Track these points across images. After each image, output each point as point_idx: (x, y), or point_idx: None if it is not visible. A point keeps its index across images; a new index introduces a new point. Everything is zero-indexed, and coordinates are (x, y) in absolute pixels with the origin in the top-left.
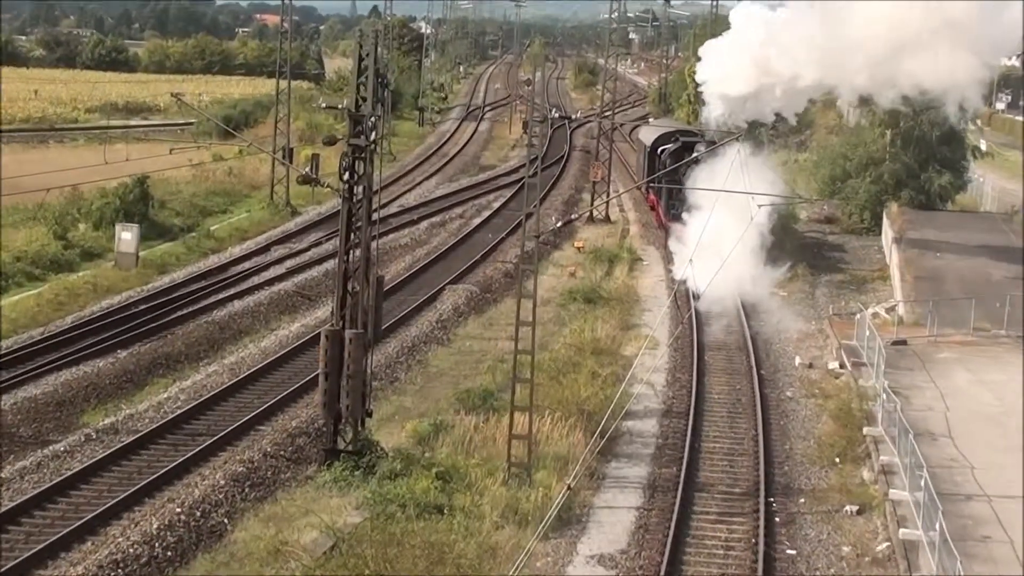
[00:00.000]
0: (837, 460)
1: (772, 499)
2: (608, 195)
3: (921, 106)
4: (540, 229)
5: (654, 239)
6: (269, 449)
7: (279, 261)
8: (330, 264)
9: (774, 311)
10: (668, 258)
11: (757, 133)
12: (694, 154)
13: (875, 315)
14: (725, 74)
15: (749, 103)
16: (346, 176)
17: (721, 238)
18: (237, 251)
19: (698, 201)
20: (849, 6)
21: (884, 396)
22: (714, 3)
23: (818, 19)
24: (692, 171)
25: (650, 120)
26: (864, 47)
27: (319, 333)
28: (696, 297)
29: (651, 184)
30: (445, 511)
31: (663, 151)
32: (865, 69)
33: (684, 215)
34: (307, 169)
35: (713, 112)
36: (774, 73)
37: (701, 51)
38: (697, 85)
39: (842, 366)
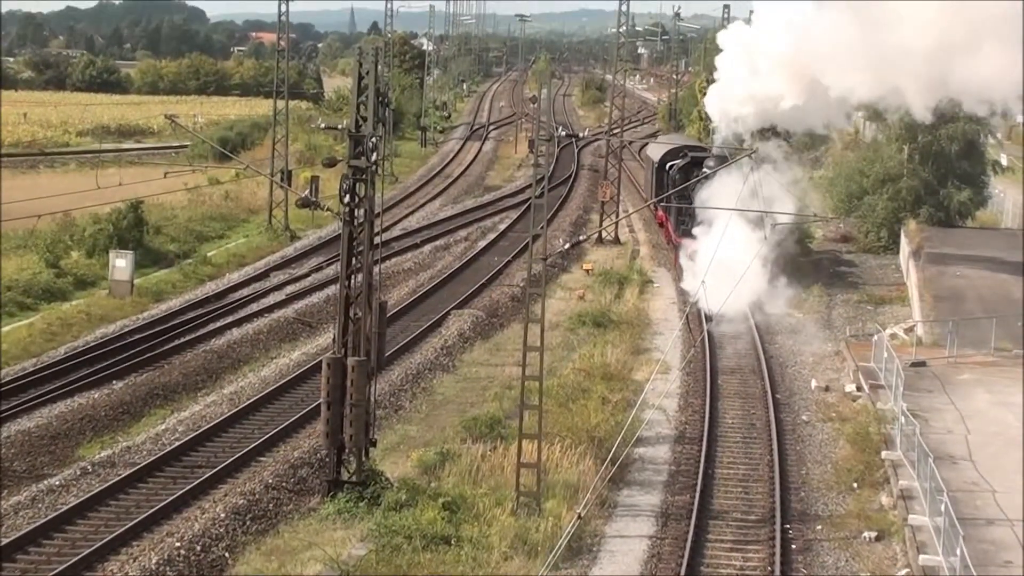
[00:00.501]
0: (855, 485)
1: (788, 526)
2: (617, 215)
3: (949, 116)
4: (547, 251)
5: (665, 260)
6: (271, 481)
7: (278, 287)
8: (331, 290)
9: (789, 333)
10: (679, 275)
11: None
12: (704, 169)
13: (893, 336)
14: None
15: (787, 114)
16: (347, 199)
17: (734, 258)
18: (235, 277)
19: (708, 217)
20: (893, 7)
21: (903, 419)
22: (725, 16)
23: (856, 22)
24: (702, 187)
25: (658, 136)
26: (914, 50)
27: (321, 361)
28: (709, 319)
29: (662, 200)
30: (452, 542)
31: (671, 167)
32: (916, 75)
33: (694, 231)
34: (306, 192)
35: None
36: (811, 84)
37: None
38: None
39: (859, 389)
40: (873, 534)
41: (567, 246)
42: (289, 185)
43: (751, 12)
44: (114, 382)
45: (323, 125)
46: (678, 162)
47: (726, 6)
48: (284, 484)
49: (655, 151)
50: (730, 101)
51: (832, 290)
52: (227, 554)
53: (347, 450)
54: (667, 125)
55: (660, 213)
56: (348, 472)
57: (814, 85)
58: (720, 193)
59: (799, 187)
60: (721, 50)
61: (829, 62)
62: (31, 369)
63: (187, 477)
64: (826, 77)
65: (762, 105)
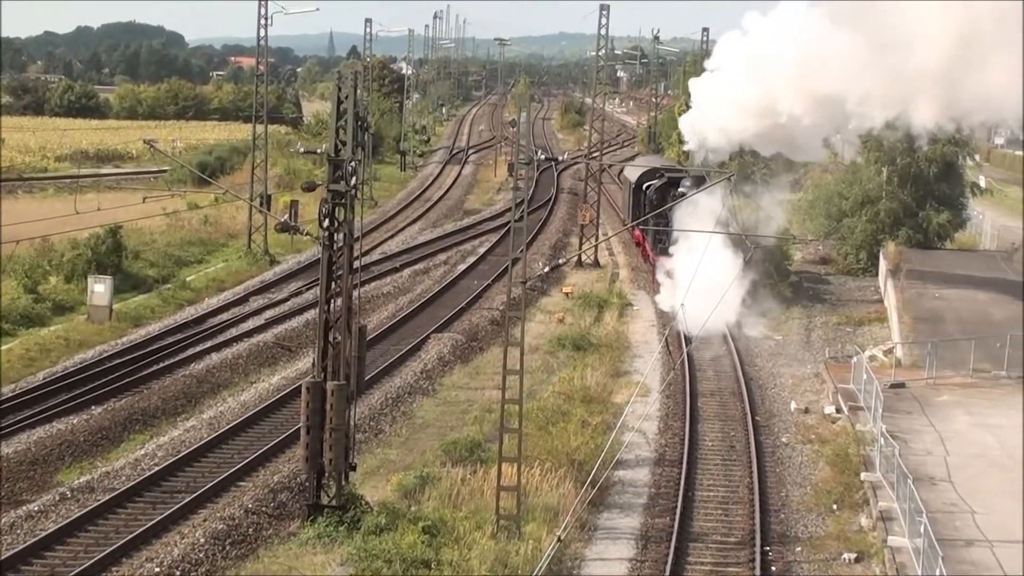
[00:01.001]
0: (834, 507)
1: (768, 548)
2: (597, 239)
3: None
4: (527, 275)
5: (644, 283)
6: (250, 505)
7: (258, 312)
8: (311, 314)
9: (769, 355)
10: (656, 291)
11: (750, 172)
12: (680, 190)
13: (872, 357)
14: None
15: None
16: (326, 223)
17: (712, 278)
18: (214, 302)
19: (684, 235)
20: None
21: (882, 440)
22: (704, 40)
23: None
24: (679, 206)
25: (636, 158)
26: (927, 70)
27: (300, 385)
28: (689, 341)
29: (638, 220)
30: (432, 566)
31: (648, 187)
32: (930, 94)
33: (671, 249)
34: (285, 216)
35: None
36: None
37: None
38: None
39: (839, 410)
40: (853, 555)
41: (547, 269)
42: (268, 209)
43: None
44: (93, 407)
45: (302, 149)
46: (655, 183)
47: (705, 29)
48: (264, 509)
49: (632, 172)
50: (713, 120)
51: (811, 312)
52: None
53: (327, 474)
54: (646, 148)
55: (637, 233)
56: (328, 496)
57: (822, 103)
58: (697, 213)
59: (780, 208)
60: (701, 72)
61: (841, 81)
62: (9, 395)
63: (166, 502)
64: (837, 94)
65: (761, 122)
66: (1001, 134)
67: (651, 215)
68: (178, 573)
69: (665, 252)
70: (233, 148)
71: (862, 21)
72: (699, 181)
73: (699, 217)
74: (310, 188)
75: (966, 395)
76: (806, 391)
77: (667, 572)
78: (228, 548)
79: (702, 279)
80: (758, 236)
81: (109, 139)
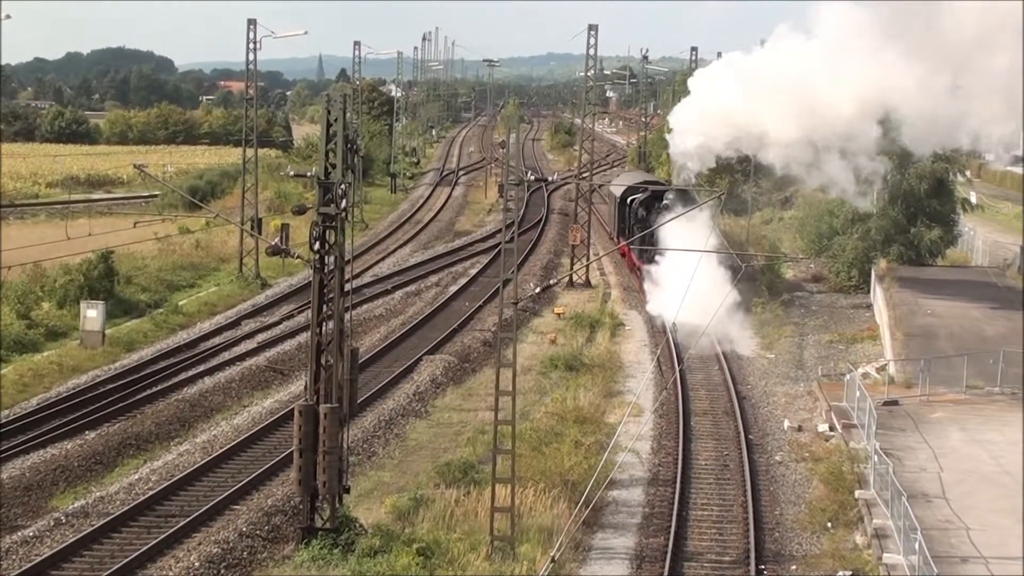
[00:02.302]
0: (829, 525)
1: (763, 567)
2: (588, 259)
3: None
4: (519, 296)
5: (636, 303)
6: (244, 529)
7: (250, 335)
8: (303, 337)
9: (761, 373)
10: (643, 294)
11: (740, 191)
12: (665, 202)
13: (865, 375)
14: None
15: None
16: (317, 246)
17: (704, 296)
18: (206, 326)
19: (668, 244)
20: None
21: (876, 458)
22: (692, 59)
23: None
24: (662, 217)
25: (620, 172)
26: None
27: (293, 409)
28: (680, 361)
29: (624, 233)
30: None
31: (633, 200)
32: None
33: (656, 257)
34: (276, 240)
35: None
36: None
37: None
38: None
39: (832, 428)
40: (848, 573)
41: (538, 290)
42: (259, 233)
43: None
44: (87, 432)
45: (292, 173)
46: (639, 196)
47: (694, 48)
48: (258, 532)
49: (617, 186)
50: (701, 132)
51: (803, 330)
52: None
53: (320, 497)
54: (636, 167)
55: (623, 245)
56: (322, 519)
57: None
58: (681, 223)
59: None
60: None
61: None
62: (3, 421)
63: (161, 526)
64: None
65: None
66: (991, 150)
67: (646, 232)
68: None
69: (651, 260)
70: (223, 172)
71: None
72: (683, 193)
73: (685, 227)
74: (301, 211)
75: (959, 412)
76: (799, 409)
77: None
78: (223, 572)
79: (691, 293)
80: (749, 254)
81: (100, 165)
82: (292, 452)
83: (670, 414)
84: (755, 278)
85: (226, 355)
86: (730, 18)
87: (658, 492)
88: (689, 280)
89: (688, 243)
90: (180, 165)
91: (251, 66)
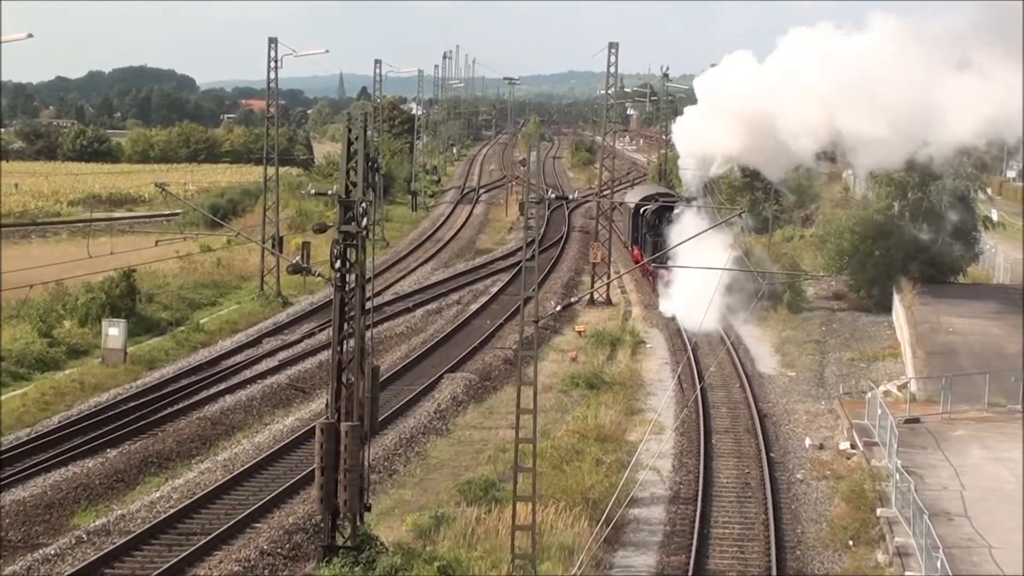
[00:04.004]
0: (850, 543)
1: None
2: (609, 276)
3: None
4: (540, 314)
5: (657, 321)
6: (266, 547)
7: (271, 353)
8: (324, 355)
9: (783, 391)
10: (655, 296)
11: (761, 209)
12: (675, 211)
13: (886, 393)
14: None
15: None
16: (338, 264)
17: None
18: (228, 344)
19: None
20: None
21: (897, 476)
22: None
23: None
24: (671, 225)
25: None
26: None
27: (314, 427)
28: (701, 379)
29: (637, 240)
30: None
31: (645, 211)
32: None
33: (668, 262)
34: (297, 258)
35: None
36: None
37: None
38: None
39: (853, 446)
40: None
41: (559, 308)
42: (280, 251)
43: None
44: (108, 450)
45: (313, 191)
46: (650, 206)
47: (713, 65)
48: (279, 550)
49: (631, 198)
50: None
51: (824, 347)
52: None
53: (342, 515)
54: (651, 182)
55: (636, 252)
56: (343, 537)
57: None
58: (689, 230)
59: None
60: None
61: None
62: (25, 439)
63: (182, 544)
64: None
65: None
66: (1013, 167)
67: (666, 250)
68: None
69: (663, 265)
70: (245, 190)
71: None
72: (689, 203)
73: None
74: (322, 229)
75: (981, 429)
76: (821, 427)
77: None
78: None
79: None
80: (771, 272)
81: (121, 183)
82: (313, 470)
83: (691, 432)
84: (777, 296)
85: (247, 373)
86: (756, 29)
87: (679, 510)
88: (696, 281)
89: (698, 247)
90: (201, 183)
91: (272, 84)
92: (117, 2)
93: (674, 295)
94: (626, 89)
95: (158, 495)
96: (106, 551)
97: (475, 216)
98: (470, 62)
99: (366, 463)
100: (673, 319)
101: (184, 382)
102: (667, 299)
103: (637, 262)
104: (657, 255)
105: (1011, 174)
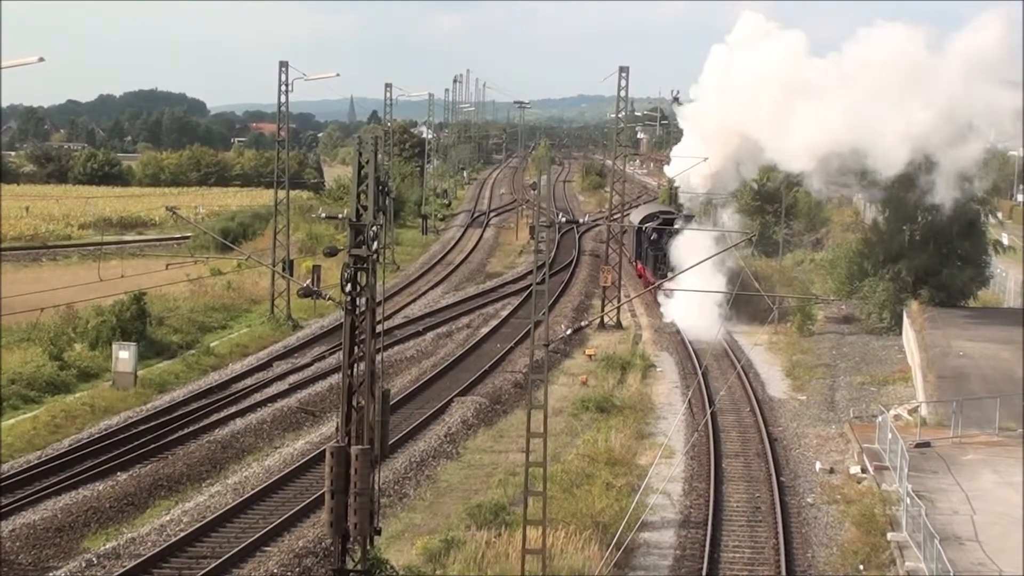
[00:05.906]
0: (861, 567)
1: None
2: (619, 300)
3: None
4: (550, 337)
5: (667, 344)
6: (276, 570)
7: (281, 377)
8: (334, 378)
9: (793, 415)
10: (656, 306)
11: (772, 233)
12: (676, 226)
13: (897, 417)
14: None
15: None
16: (348, 288)
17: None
18: (238, 367)
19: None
20: None
21: (908, 500)
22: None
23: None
24: (672, 240)
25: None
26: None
27: (324, 450)
28: (712, 403)
29: (640, 254)
30: None
31: (647, 227)
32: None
33: (669, 274)
34: (308, 281)
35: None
36: None
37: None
38: None
39: (864, 470)
40: None
41: (569, 332)
42: (291, 275)
43: None
44: (118, 474)
45: (324, 215)
46: (651, 224)
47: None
48: (289, 573)
49: (635, 216)
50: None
51: (835, 371)
52: None
53: (352, 539)
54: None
55: (639, 266)
56: (353, 561)
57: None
58: (689, 246)
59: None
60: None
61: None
62: (35, 462)
63: (192, 568)
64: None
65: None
66: (1022, 190)
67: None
68: None
69: (664, 276)
70: (255, 214)
71: None
72: (688, 219)
73: (692, 250)
74: (332, 253)
75: (992, 454)
76: (831, 451)
77: None
78: None
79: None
80: (782, 295)
81: (132, 206)
82: (323, 494)
83: (701, 456)
84: (786, 319)
85: (257, 396)
86: None
87: (689, 534)
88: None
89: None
90: (212, 207)
91: (283, 108)
92: (127, 27)
93: (675, 304)
94: (636, 113)
95: (168, 518)
96: (116, 574)
97: (485, 240)
98: (480, 86)
99: (376, 487)
100: (675, 327)
101: (194, 405)
102: (668, 307)
103: (640, 276)
104: (666, 279)
105: (1021, 198)
